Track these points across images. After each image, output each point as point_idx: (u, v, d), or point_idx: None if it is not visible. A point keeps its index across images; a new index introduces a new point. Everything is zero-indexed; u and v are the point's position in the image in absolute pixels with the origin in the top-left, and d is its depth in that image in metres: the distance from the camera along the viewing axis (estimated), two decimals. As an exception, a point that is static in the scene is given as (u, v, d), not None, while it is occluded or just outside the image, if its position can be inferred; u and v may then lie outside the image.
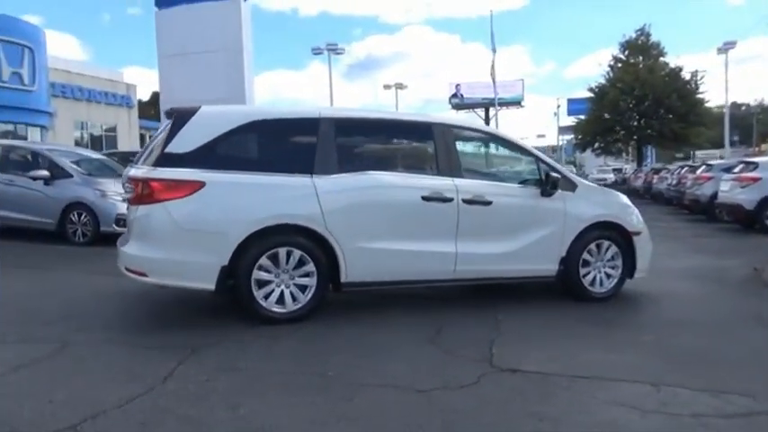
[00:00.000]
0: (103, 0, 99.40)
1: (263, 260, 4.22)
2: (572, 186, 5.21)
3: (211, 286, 4.13)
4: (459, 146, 5.06)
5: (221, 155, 4.28)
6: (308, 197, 4.30)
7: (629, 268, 5.38)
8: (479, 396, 3.06)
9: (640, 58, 30.47)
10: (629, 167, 40.59)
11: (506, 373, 3.40)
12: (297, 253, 4.30)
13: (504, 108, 75.93)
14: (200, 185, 4.10)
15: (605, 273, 5.30)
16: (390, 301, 5.05)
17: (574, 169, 58.28)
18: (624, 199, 5.66)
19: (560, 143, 61.78)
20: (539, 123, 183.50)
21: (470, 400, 3.00)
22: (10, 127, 24.77)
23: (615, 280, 5.34)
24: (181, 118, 4.28)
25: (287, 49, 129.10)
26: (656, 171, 21.69)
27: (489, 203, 4.81)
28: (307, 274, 4.34)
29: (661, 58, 30.54)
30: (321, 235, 4.32)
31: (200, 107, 4.37)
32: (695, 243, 9.92)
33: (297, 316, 4.31)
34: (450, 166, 4.79)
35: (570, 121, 42.57)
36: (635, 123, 30.46)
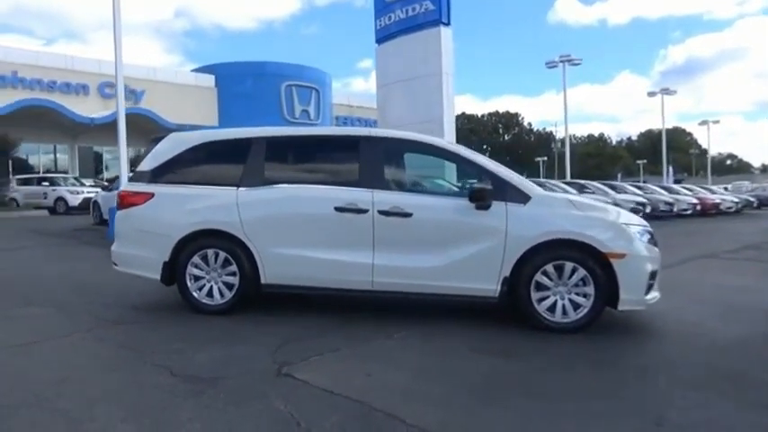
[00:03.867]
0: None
1: (196, 259, 5.01)
2: (522, 198, 4.62)
3: (158, 277, 5.10)
4: (395, 159, 5.03)
5: (173, 171, 5.22)
6: (230, 206, 4.93)
7: (612, 297, 4.49)
8: (201, 387, 3.30)
9: None
10: None
11: (270, 376, 3.48)
12: (222, 254, 4.97)
13: None
14: (150, 196, 5.13)
15: (570, 300, 4.53)
16: (326, 305, 5.27)
17: None
18: (608, 215, 4.70)
19: None
20: None
21: (186, 387, 3.29)
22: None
23: (586, 309, 4.51)
24: (153, 142, 5.41)
25: (592, 63, 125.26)
26: None
27: (409, 215, 4.67)
28: (233, 274, 4.97)
29: None
30: (241, 240, 4.91)
31: (170, 133, 5.43)
32: None
33: (221, 309, 4.96)
34: (373, 177, 4.81)
35: None
36: None
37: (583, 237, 4.49)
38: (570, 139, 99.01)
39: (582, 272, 4.49)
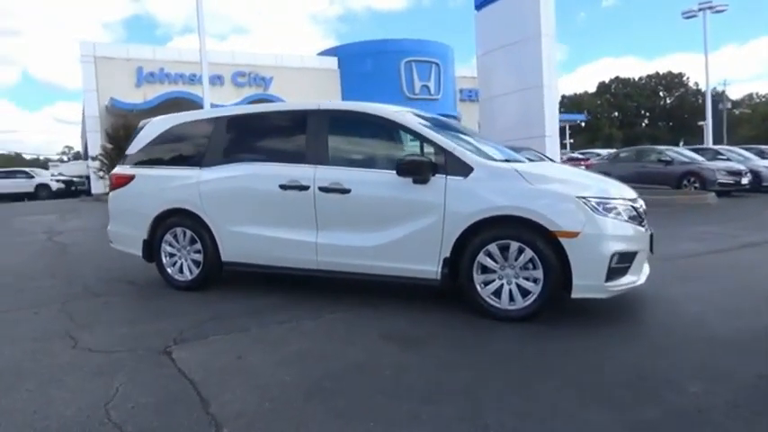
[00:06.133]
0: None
1: (168, 237, 5.24)
2: (464, 170, 4.12)
3: (140, 254, 5.42)
4: (341, 132, 4.76)
5: (151, 154, 5.48)
6: (192, 186, 5.06)
7: (563, 281, 3.88)
8: (81, 361, 3.46)
9: None
10: None
11: (151, 353, 3.53)
12: (189, 233, 5.14)
13: None
14: (131, 178, 5.45)
15: (518, 285, 3.99)
16: (300, 283, 5.21)
17: None
18: (565, 187, 3.99)
19: None
20: None
21: (67, 360, 3.47)
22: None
23: (534, 296, 3.94)
24: (140, 127, 5.70)
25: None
26: None
27: (348, 191, 4.42)
28: (199, 251, 5.12)
29: None
30: (202, 219, 5.02)
31: (153, 119, 5.68)
32: None
33: (190, 285, 5.14)
34: (317, 153, 4.61)
35: None
36: None
37: (527, 213, 3.90)
38: (752, 98, 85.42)
39: (529, 253, 3.92)
